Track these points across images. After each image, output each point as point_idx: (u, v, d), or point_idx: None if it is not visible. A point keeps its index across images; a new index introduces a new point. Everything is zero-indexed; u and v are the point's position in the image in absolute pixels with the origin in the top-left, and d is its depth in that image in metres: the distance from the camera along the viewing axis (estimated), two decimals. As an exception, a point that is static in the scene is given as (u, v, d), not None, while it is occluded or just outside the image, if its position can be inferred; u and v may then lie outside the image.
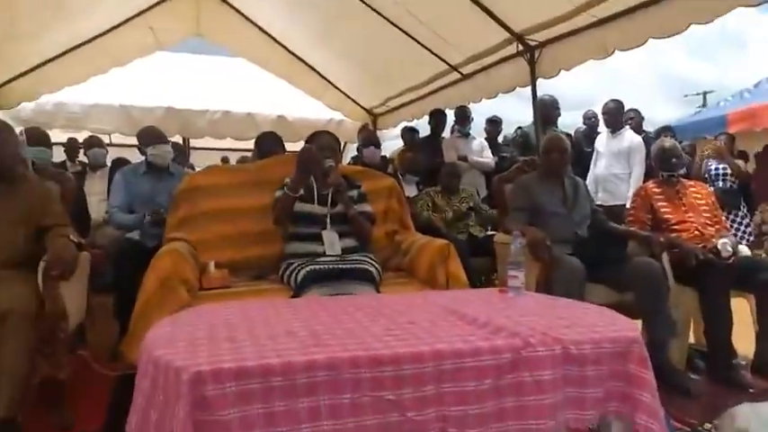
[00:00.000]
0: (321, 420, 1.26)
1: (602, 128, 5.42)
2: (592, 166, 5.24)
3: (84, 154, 5.33)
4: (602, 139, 5.21)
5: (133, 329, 2.37)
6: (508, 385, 1.37)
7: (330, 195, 2.82)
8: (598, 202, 4.63)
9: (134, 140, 3.75)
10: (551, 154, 3.21)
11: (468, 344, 1.39)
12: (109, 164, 5.11)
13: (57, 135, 5.99)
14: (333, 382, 1.27)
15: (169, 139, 3.96)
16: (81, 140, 5.77)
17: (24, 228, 2.38)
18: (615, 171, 5.01)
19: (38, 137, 3.67)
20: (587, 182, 4.96)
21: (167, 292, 2.34)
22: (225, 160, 8.42)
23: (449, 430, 1.32)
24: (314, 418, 1.26)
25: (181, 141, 6.97)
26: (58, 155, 5.63)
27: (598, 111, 5.40)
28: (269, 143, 3.80)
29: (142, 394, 1.38)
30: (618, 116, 5.09)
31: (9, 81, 5.53)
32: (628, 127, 5.17)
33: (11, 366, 2.01)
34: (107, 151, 5.31)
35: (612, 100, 5.10)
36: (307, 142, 3.01)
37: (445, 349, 1.36)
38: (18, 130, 2.82)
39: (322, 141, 2.93)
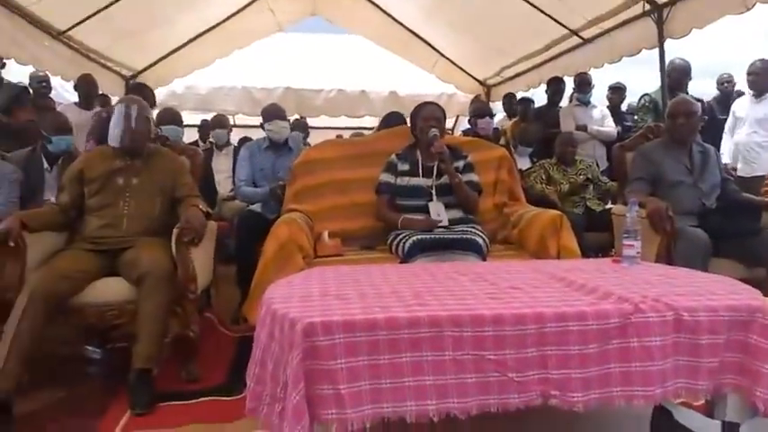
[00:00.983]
0: (423, 375, 1.31)
1: (741, 90, 4.92)
2: (727, 133, 4.80)
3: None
4: (744, 104, 4.73)
5: (253, 293, 2.55)
6: (615, 350, 1.34)
7: (435, 167, 2.84)
8: (739, 175, 4.26)
9: (256, 120, 3.98)
10: (677, 119, 2.99)
11: (573, 308, 1.37)
12: (234, 143, 5.47)
13: (191, 117, 6.53)
14: (435, 339, 1.31)
15: (289, 117, 4.17)
16: (212, 122, 6.22)
17: (161, 199, 2.63)
18: (758, 139, 4.55)
19: (171, 116, 4.03)
20: (722, 152, 4.56)
21: (285, 258, 2.49)
22: (339, 138, 8.68)
23: (551, 392, 1.32)
24: (417, 372, 1.30)
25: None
26: (191, 136, 6.12)
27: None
28: (393, 120, 3.92)
29: (260, 346, 1.51)
30: (766, 77, 4.60)
31: (146, 68, 6.08)
32: (774, 90, 4.66)
33: (149, 324, 2.25)
34: (230, 130, 5.67)
35: (761, 60, 4.59)
36: (412, 113, 3.04)
37: (548, 312, 1.34)
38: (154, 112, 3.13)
39: (426, 112, 2.95)
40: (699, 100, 4.43)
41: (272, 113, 3.72)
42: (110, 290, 2.35)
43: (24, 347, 2.09)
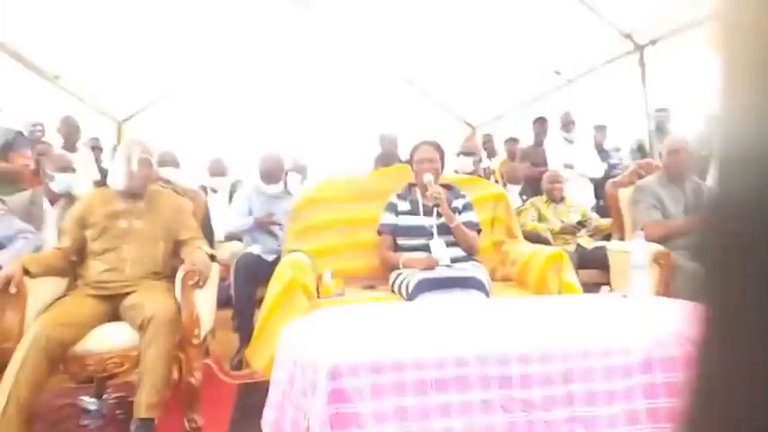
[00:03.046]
0: (451, 417, 1.30)
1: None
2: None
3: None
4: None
5: (257, 335, 2.51)
6: (639, 386, 1.34)
7: (435, 207, 2.86)
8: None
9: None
10: (678, 154, 3.07)
11: (597, 343, 1.38)
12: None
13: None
14: (462, 379, 1.30)
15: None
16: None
17: (164, 241, 2.60)
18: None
19: (171, 158, 4.04)
20: None
21: (290, 300, 2.46)
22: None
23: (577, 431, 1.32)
24: (444, 414, 1.29)
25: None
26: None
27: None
28: (386, 159, 3.98)
29: (278, 389, 1.48)
30: None
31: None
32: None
33: (152, 371, 2.16)
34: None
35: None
36: (410, 152, 3.07)
37: (574, 348, 1.35)
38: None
39: (420, 153, 2.97)
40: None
41: (269, 175, 3.70)
42: (112, 336, 2.29)
43: (24, 398, 2.01)
